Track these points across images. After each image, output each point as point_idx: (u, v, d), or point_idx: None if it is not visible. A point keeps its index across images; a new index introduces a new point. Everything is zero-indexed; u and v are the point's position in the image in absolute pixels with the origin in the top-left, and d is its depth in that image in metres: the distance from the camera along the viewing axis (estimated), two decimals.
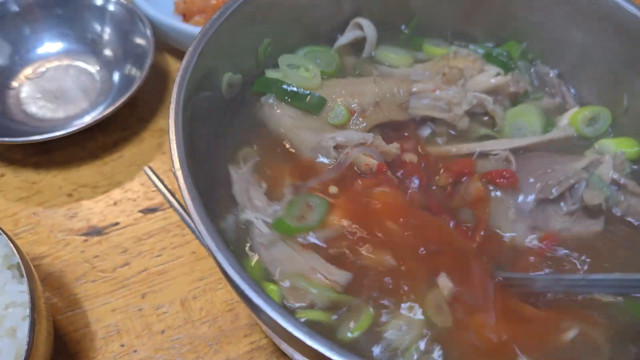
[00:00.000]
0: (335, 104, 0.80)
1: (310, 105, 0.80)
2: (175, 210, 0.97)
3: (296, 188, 0.76)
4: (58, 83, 1.12)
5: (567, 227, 0.75)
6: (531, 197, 0.76)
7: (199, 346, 0.84)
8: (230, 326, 0.86)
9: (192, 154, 0.71)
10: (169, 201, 0.98)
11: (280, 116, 0.80)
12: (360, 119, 0.80)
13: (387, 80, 0.86)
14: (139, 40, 1.09)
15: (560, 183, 0.76)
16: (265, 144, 0.82)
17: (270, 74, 0.84)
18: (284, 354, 0.83)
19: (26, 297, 0.73)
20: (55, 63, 1.14)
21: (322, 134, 0.78)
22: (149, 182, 1.01)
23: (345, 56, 0.94)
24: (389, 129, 0.84)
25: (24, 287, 0.74)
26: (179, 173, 0.64)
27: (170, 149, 0.66)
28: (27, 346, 0.67)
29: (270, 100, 0.81)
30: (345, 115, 0.79)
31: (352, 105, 0.81)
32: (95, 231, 0.95)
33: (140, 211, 0.98)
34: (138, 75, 1.05)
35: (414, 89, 0.86)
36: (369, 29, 0.92)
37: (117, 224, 0.96)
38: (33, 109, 1.08)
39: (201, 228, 0.62)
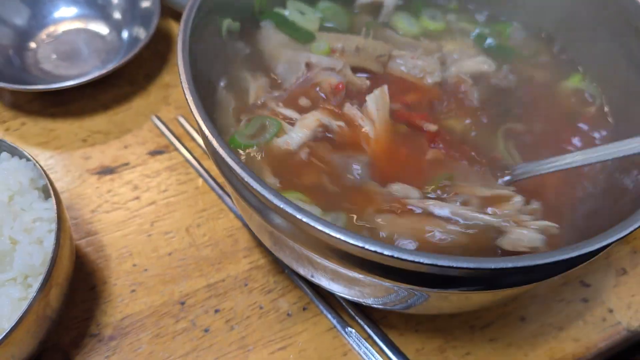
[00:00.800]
0: (321, 39, 0.92)
1: (299, 35, 0.93)
2: (180, 152, 1.07)
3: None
4: (71, 44, 1.22)
5: None
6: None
7: (203, 265, 0.94)
8: (230, 249, 0.96)
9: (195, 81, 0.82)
10: (174, 144, 1.09)
11: (272, 36, 0.93)
12: (339, 57, 0.91)
13: (375, 41, 0.96)
14: (145, 4, 1.20)
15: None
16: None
17: (277, 10, 0.97)
18: (279, 272, 0.93)
19: (51, 214, 0.83)
20: (69, 26, 1.24)
21: (299, 52, 0.89)
22: (156, 129, 1.11)
23: (363, 15, 1.03)
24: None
25: (49, 205, 0.84)
26: (186, 86, 0.73)
27: (178, 72, 0.75)
28: (53, 247, 0.77)
29: (269, 25, 0.94)
30: (325, 48, 0.91)
31: (336, 45, 0.92)
32: (108, 170, 1.05)
33: (149, 153, 1.08)
34: (144, 35, 1.15)
35: (395, 52, 0.95)
36: None
37: (127, 164, 1.06)
38: (49, 67, 1.19)
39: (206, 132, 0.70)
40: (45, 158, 1.07)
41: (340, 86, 0.86)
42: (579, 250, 0.60)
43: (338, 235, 0.60)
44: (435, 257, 0.60)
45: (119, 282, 0.92)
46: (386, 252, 0.59)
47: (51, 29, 1.23)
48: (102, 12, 1.25)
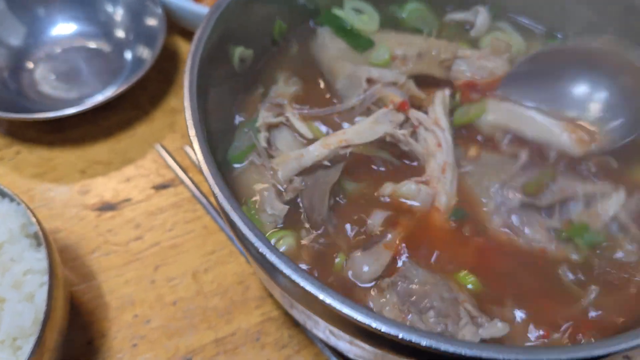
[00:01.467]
0: (381, 46, 0.85)
1: (358, 43, 0.87)
2: (187, 186, 0.99)
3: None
4: (71, 64, 1.14)
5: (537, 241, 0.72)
6: (518, 197, 0.74)
7: (211, 317, 0.86)
8: (241, 298, 0.88)
9: (206, 122, 0.73)
10: (180, 178, 1.00)
11: (330, 46, 0.87)
12: (400, 65, 0.85)
13: (438, 40, 0.90)
14: (150, 22, 1.11)
15: (553, 192, 0.74)
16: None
17: (335, 11, 0.92)
18: (294, 325, 0.85)
19: (43, 265, 0.75)
20: (69, 45, 1.16)
21: (359, 66, 0.83)
22: (161, 159, 1.03)
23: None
24: (425, 85, 0.86)
25: (42, 255, 0.76)
26: (194, 137, 0.65)
27: (185, 116, 0.67)
28: (45, 307, 0.69)
29: (326, 32, 0.89)
30: (386, 57, 0.85)
31: (396, 52, 0.85)
32: (109, 206, 0.97)
33: (153, 187, 0.99)
34: (149, 55, 1.07)
35: (460, 53, 0.88)
36: (481, 17, 0.93)
37: (129, 199, 0.98)
38: (47, 89, 1.10)
39: (215, 188, 0.62)
40: (41, 191, 0.98)
41: (406, 107, 0.79)
42: None
43: (365, 321, 0.52)
44: (480, 348, 0.52)
45: (119, 335, 0.84)
46: (424, 343, 0.51)
47: (49, 47, 1.15)
48: (103, 29, 1.16)
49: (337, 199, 0.74)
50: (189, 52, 0.73)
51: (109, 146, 1.05)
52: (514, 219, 0.73)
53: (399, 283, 0.66)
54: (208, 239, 0.93)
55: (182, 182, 0.99)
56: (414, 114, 0.78)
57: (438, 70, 0.87)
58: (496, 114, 0.82)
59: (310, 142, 0.77)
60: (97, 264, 0.91)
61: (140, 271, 0.90)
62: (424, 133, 0.78)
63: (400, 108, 0.78)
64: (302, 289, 0.54)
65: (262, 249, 0.56)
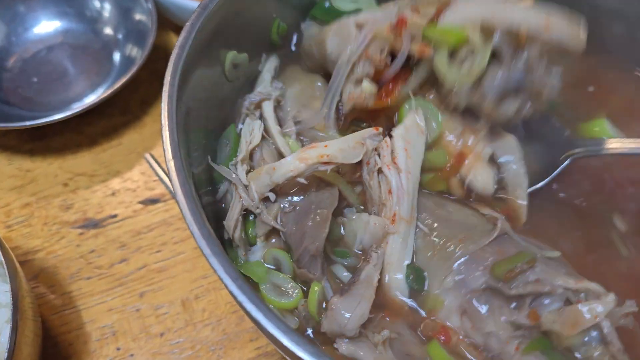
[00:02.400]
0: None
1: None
2: (178, 201, 0.90)
3: None
4: (55, 65, 1.05)
5: (496, 342, 0.59)
6: (484, 278, 0.61)
7: (201, 351, 0.77)
8: (235, 329, 0.79)
9: (189, 143, 0.65)
10: (171, 191, 0.91)
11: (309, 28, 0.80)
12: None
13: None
14: (141, 18, 1.02)
15: (527, 284, 0.59)
16: None
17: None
18: None
19: (9, 298, 0.67)
20: (53, 43, 1.07)
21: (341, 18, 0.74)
22: (150, 170, 0.94)
23: None
24: None
25: (8, 287, 0.68)
26: (171, 164, 0.57)
27: (162, 138, 0.58)
28: (7, 349, 0.61)
29: (310, 25, 0.81)
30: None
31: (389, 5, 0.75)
32: (92, 224, 0.88)
33: (140, 202, 0.90)
34: (139, 55, 0.98)
35: None
36: None
37: (115, 216, 0.89)
38: (30, 92, 1.02)
39: (194, 230, 0.53)
40: (19, 206, 0.90)
41: (403, 24, 0.68)
42: None
43: None
44: None
45: None
46: None
47: (32, 47, 1.06)
48: (90, 26, 1.07)
49: None
50: (169, 58, 0.64)
51: (93, 156, 0.96)
52: (473, 302, 0.61)
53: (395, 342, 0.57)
54: (199, 262, 0.85)
55: (173, 196, 0.90)
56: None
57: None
58: None
59: None
60: (77, 289, 0.82)
61: (124, 298, 0.82)
62: (377, 177, 0.65)
63: (398, 26, 0.68)
64: (285, 348, 0.46)
65: (247, 305, 0.48)
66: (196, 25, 0.67)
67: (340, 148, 0.62)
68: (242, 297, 0.50)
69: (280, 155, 0.69)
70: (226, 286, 0.51)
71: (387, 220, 0.61)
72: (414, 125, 0.68)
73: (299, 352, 0.46)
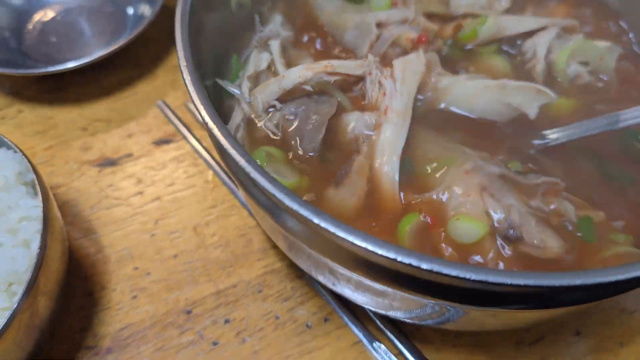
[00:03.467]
0: None
1: None
2: (188, 142, 0.97)
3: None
4: (73, 25, 1.12)
5: (516, 215, 0.63)
6: (499, 168, 0.65)
7: (212, 269, 0.84)
8: (243, 250, 0.85)
9: (201, 66, 0.71)
10: (182, 133, 0.98)
11: (325, 5, 0.84)
12: (403, 7, 0.83)
13: None
14: None
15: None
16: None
17: None
18: (297, 277, 0.83)
19: (40, 212, 0.74)
20: (71, 5, 1.14)
21: (366, 13, 0.80)
22: (163, 116, 1.01)
23: None
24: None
25: (38, 202, 0.75)
26: (184, 67, 0.63)
27: (175, 47, 0.65)
28: (38, 251, 0.67)
29: None
30: (386, 2, 0.82)
31: None
32: (110, 162, 0.95)
33: (154, 142, 0.97)
34: (150, 11, 1.05)
35: None
36: None
37: (130, 155, 0.96)
38: (49, 49, 1.09)
39: (211, 124, 0.59)
40: (42, 149, 0.97)
41: (423, 39, 0.77)
42: None
43: (364, 245, 0.49)
44: (485, 273, 0.49)
45: (118, 288, 0.82)
46: (424, 266, 0.48)
47: (51, 8, 1.14)
48: None
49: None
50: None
51: (109, 104, 1.03)
52: (492, 185, 0.64)
53: None
54: (210, 194, 0.91)
55: (183, 137, 0.97)
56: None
57: (438, 6, 0.85)
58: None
59: None
60: (97, 219, 0.89)
61: (140, 225, 0.88)
62: (375, 86, 0.72)
63: (418, 42, 0.75)
64: (304, 218, 0.51)
65: (256, 176, 0.54)
66: None
67: (343, 64, 0.69)
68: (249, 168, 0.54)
69: None
70: (242, 174, 0.55)
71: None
72: (417, 57, 0.75)
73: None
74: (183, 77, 0.61)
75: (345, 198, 0.63)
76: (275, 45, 0.81)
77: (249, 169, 0.53)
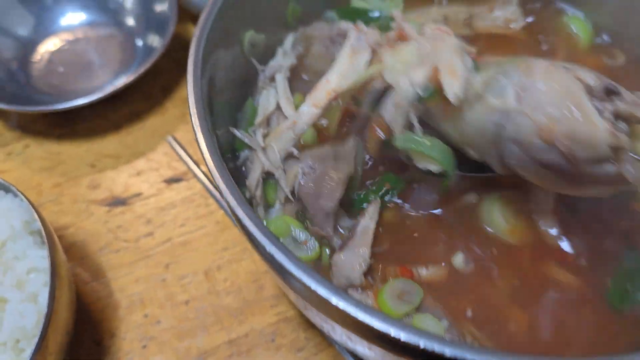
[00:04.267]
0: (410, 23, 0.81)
1: (382, 23, 0.82)
2: (199, 180, 0.95)
3: None
4: (81, 55, 1.10)
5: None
6: None
7: (223, 317, 0.81)
8: (255, 297, 0.83)
9: (214, 115, 0.69)
10: (192, 171, 0.96)
11: None
12: None
13: (449, 5, 0.91)
14: (161, 8, 1.07)
15: None
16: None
17: (356, 2, 0.87)
18: (311, 326, 0.80)
19: (48, 263, 0.72)
20: (78, 34, 1.12)
21: None
22: (173, 152, 0.99)
23: None
24: None
25: (46, 252, 0.73)
26: (199, 134, 0.61)
27: (189, 108, 0.63)
28: (47, 309, 0.65)
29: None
30: (417, 29, 0.80)
31: (423, 23, 0.81)
32: (119, 201, 0.93)
33: (164, 181, 0.95)
34: (160, 44, 1.02)
35: (475, 11, 0.90)
36: None
37: (140, 194, 0.94)
38: (57, 80, 1.07)
39: (227, 194, 0.57)
40: (50, 186, 0.95)
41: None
42: None
43: (383, 328, 0.47)
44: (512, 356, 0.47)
45: (128, 336, 0.80)
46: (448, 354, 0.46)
47: (58, 38, 1.12)
48: (114, 18, 1.13)
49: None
50: (189, 46, 0.68)
51: (118, 139, 1.01)
52: None
53: None
54: (221, 236, 0.89)
55: (194, 175, 0.95)
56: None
57: (463, 29, 0.87)
58: None
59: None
60: (106, 261, 0.87)
61: (150, 269, 0.86)
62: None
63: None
64: (314, 293, 0.49)
65: (271, 249, 0.52)
66: (215, 7, 0.72)
67: (340, 73, 0.66)
68: (270, 247, 0.53)
69: None
70: (252, 238, 0.54)
71: None
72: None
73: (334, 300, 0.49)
74: (197, 141, 0.59)
75: (351, 260, 0.61)
76: (280, 78, 0.78)
77: (265, 242, 0.52)
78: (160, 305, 0.83)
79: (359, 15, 0.85)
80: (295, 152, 0.68)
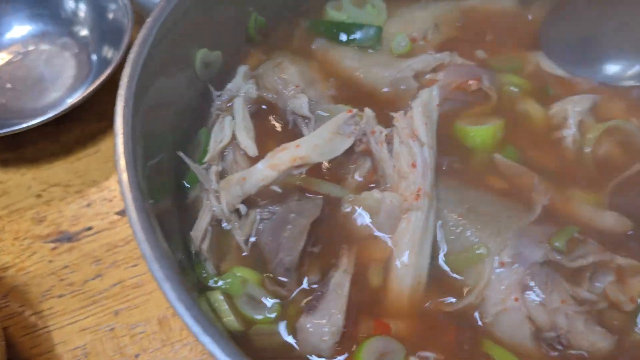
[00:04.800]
0: (397, 34, 0.75)
1: (367, 35, 0.75)
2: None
3: None
4: (30, 70, 1.00)
5: (563, 319, 0.55)
6: (543, 251, 0.57)
7: None
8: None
9: (152, 149, 0.59)
10: None
11: (339, 59, 0.74)
12: (422, 43, 0.76)
13: (436, 3, 0.81)
14: (117, 16, 0.96)
15: (587, 255, 0.56)
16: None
17: (332, 13, 0.79)
18: None
19: None
20: (29, 47, 1.02)
21: (394, 66, 0.71)
22: None
23: None
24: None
25: None
26: (124, 177, 0.51)
27: (115, 147, 0.53)
28: None
29: (323, 45, 0.77)
30: (407, 43, 0.75)
31: (413, 34, 0.76)
32: (66, 237, 0.83)
33: (117, 213, 0.85)
34: (116, 55, 0.92)
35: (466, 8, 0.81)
36: None
37: (90, 228, 0.84)
38: (3, 98, 0.97)
39: (150, 261, 0.47)
40: None
41: (474, 83, 0.69)
42: None
43: None
44: None
45: None
46: None
47: (6, 51, 1.01)
48: (66, 28, 1.02)
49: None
50: (127, 59, 0.58)
51: (69, 165, 0.90)
52: (534, 280, 0.56)
53: None
54: None
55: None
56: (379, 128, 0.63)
57: (457, 32, 0.79)
58: None
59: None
60: (49, 308, 0.77)
61: (98, 317, 0.76)
62: (398, 147, 0.60)
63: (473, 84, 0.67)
64: None
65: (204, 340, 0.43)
66: (159, 20, 0.62)
67: (315, 144, 0.57)
68: (196, 328, 0.44)
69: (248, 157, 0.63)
70: (180, 316, 0.45)
71: (407, 196, 0.57)
72: (432, 99, 0.64)
73: None
74: (120, 181, 0.49)
75: (319, 325, 0.51)
76: (238, 103, 0.68)
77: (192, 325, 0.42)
78: None
79: (339, 30, 0.75)
80: (244, 209, 0.59)
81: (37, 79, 0.99)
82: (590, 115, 0.67)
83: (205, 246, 0.58)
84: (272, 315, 0.57)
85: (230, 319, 0.56)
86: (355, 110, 0.60)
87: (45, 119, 0.86)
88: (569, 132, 0.66)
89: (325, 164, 0.61)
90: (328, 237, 0.58)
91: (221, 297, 0.56)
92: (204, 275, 0.59)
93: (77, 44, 1.02)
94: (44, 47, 1.02)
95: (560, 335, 0.54)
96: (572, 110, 0.66)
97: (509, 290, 0.56)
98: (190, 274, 0.57)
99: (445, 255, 0.59)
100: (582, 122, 0.66)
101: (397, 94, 0.72)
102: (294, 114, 0.65)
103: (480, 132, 0.65)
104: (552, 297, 0.55)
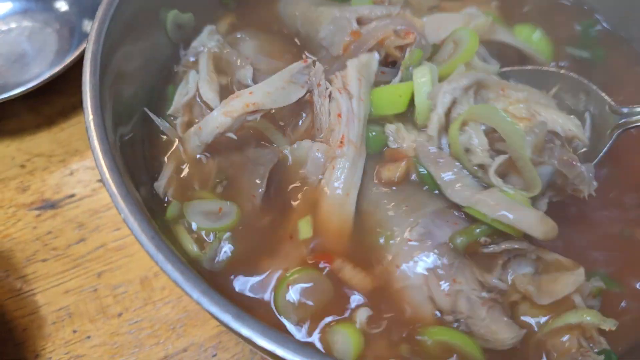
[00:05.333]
0: None
1: None
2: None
3: None
4: (13, 46, 1.01)
5: (465, 304, 0.54)
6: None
7: (160, 330, 0.73)
8: (196, 307, 0.75)
9: (122, 105, 0.61)
10: None
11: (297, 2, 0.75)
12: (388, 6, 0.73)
13: None
14: None
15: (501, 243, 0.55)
16: None
17: None
18: None
19: None
20: (11, 24, 1.03)
21: (345, 7, 0.70)
22: None
23: None
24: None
25: None
26: (92, 129, 0.53)
27: (82, 98, 0.54)
28: None
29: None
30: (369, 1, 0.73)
31: None
32: (49, 205, 0.85)
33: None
34: None
35: None
36: None
37: (72, 195, 0.85)
38: None
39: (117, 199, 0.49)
40: None
41: (411, 35, 0.66)
42: None
43: None
44: None
45: (54, 355, 0.72)
46: None
47: None
48: (48, 4, 1.03)
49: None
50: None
51: (52, 135, 0.92)
52: (440, 260, 0.55)
53: None
54: None
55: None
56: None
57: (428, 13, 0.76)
58: None
59: None
60: (32, 273, 0.79)
61: (81, 279, 0.78)
62: (332, 102, 0.61)
63: (406, 35, 0.65)
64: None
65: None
66: None
67: (268, 92, 0.58)
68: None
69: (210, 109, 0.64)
70: (143, 246, 0.47)
71: (333, 145, 0.58)
72: (371, 61, 0.64)
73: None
74: (88, 136, 0.51)
75: None
76: (203, 59, 0.69)
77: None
78: (91, 319, 0.75)
79: None
80: (204, 158, 0.60)
81: (19, 54, 1.00)
82: None
83: (170, 192, 0.60)
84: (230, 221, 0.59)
85: (189, 245, 0.58)
86: (310, 60, 0.61)
87: (25, 90, 0.87)
88: None
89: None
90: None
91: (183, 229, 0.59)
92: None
93: (58, 19, 1.03)
94: (26, 23, 1.03)
95: (460, 319, 0.53)
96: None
97: (413, 268, 0.56)
98: (161, 216, 0.59)
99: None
100: None
101: (335, 35, 0.70)
102: (239, 83, 0.67)
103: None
104: (456, 280, 0.54)
